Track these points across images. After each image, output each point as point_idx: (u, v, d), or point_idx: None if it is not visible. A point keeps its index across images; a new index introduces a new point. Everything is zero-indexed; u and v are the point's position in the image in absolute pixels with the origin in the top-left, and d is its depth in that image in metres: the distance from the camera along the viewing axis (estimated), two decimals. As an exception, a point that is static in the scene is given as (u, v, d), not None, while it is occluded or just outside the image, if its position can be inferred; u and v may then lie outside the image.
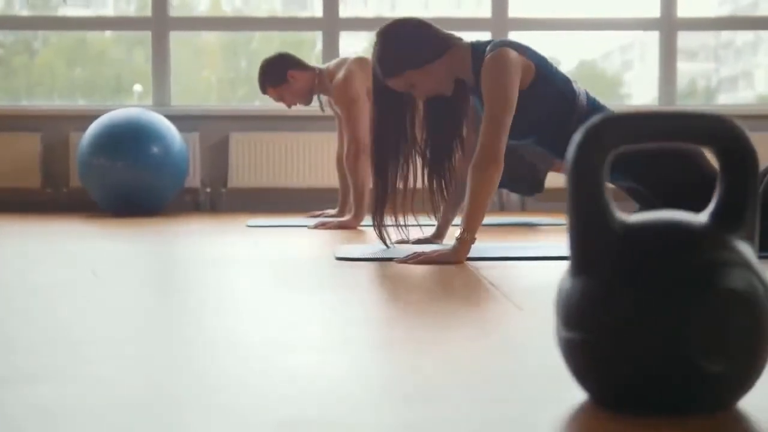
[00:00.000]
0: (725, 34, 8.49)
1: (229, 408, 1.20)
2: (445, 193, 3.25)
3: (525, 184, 4.55)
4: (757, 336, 1.15)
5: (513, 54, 2.96)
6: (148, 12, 6.46)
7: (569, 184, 1.18)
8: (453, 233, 3.00)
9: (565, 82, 3.09)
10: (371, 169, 3.20)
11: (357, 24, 6.78)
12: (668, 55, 6.53)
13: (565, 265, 1.23)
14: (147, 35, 6.45)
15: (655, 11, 6.52)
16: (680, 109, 1.20)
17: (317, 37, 6.51)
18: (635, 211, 2.47)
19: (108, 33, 7.37)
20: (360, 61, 4.58)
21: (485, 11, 6.51)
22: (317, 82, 4.70)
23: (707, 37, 8.64)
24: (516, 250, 3.22)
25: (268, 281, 2.57)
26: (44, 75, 7.56)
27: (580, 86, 3.15)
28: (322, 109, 4.92)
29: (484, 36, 6.52)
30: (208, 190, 6.28)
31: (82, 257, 3.16)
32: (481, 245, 3.23)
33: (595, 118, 1.19)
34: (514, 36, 6.52)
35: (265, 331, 1.78)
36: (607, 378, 1.18)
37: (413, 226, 3.22)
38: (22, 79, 7.49)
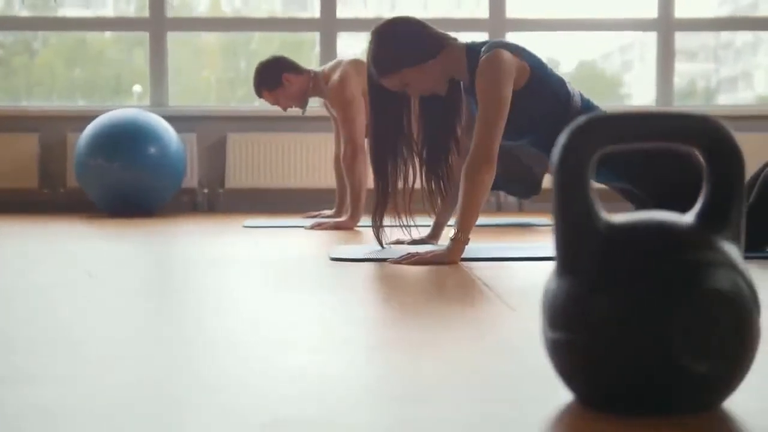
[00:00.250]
0: (725, 35, 8.49)
1: (228, 408, 1.20)
2: (443, 193, 3.26)
3: (522, 186, 4.56)
4: (742, 336, 1.15)
5: (508, 55, 2.96)
6: (146, 13, 6.46)
7: (555, 185, 1.18)
8: (448, 233, 3.00)
9: (559, 83, 3.09)
10: (372, 170, 3.20)
11: (355, 25, 6.78)
12: (666, 56, 6.53)
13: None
14: (146, 36, 6.45)
15: (652, 12, 6.52)
16: (666, 110, 1.20)
17: (317, 37, 6.51)
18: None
19: (108, 34, 7.38)
20: (355, 62, 4.58)
21: (483, 11, 6.51)
22: (312, 85, 4.70)
23: (707, 38, 8.64)
24: (511, 250, 3.22)
25: (265, 281, 2.57)
26: (44, 75, 7.57)
27: (575, 88, 3.15)
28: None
29: (482, 36, 6.53)
30: (206, 190, 6.28)
31: (81, 257, 3.16)
32: (477, 246, 3.23)
33: (580, 119, 1.19)
34: (511, 37, 6.52)
35: (260, 331, 1.78)
36: (592, 378, 1.18)
37: (412, 226, 3.23)
38: (22, 80, 7.49)
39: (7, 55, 7.43)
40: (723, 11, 8.12)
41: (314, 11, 6.50)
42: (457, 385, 1.34)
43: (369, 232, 3.24)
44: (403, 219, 3.17)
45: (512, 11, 6.49)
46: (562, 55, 7.78)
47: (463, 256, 2.87)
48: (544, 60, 3.13)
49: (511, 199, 6.05)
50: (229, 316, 1.98)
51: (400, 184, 3.16)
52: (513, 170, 4.35)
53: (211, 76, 7.79)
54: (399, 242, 3.32)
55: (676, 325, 1.12)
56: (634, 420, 1.14)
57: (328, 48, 6.45)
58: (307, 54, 7.14)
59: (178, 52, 7.00)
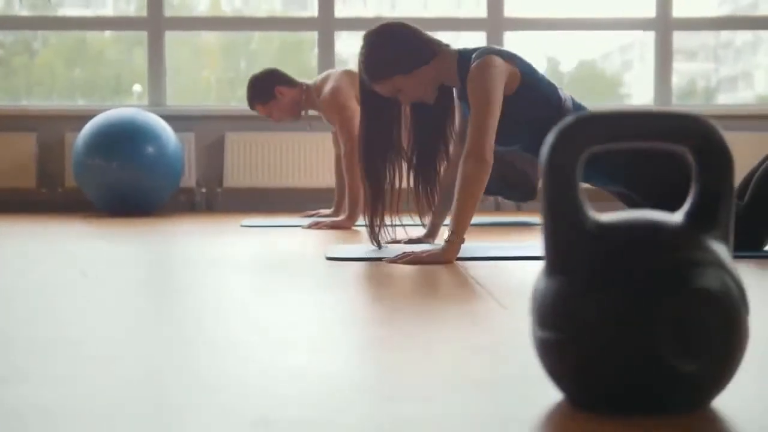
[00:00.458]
0: (725, 35, 8.48)
1: (228, 407, 1.20)
2: (431, 199, 3.26)
3: (518, 191, 4.58)
4: (731, 336, 1.15)
5: (498, 61, 2.97)
6: (144, 12, 6.46)
7: (544, 184, 1.18)
8: (445, 232, 3.00)
9: (550, 87, 3.09)
10: (362, 173, 3.19)
11: (353, 24, 6.78)
12: (664, 55, 6.52)
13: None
14: (145, 35, 6.45)
15: (650, 11, 6.51)
16: (654, 109, 1.20)
17: (315, 37, 6.51)
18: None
19: (107, 33, 7.38)
20: (346, 73, 4.60)
21: (483, 11, 6.51)
22: (305, 97, 4.72)
23: (707, 38, 8.63)
24: (507, 249, 3.21)
25: (262, 281, 2.57)
26: (44, 75, 7.57)
27: (566, 92, 3.15)
28: (309, 127, 4.93)
29: (480, 36, 6.53)
30: (204, 190, 6.28)
31: (79, 257, 3.16)
32: (473, 245, 3.23)
33: (568, 118, 1.18)
34: (509, 36, 6.52)
35: (258, 331, 1.78)
36: (581, 378, 1.17)
37: (405, 225, 3.22)
38: (22, 80, 7.49)
39: (7, 55, 7.43)
40: (723, 11, 8.12)
41: (314, 11, 6.50)
42: (448, 385, 1.34)
43: (366, 232, 3.24)
44: (392, 220, 3.17)
45: (510, 11, 6.49)
46: (562, 54, 7.78)
47: (459, 255, 2.87)
48: (538, 66, 3.14)
49: (510, 198, 6.05)
50: (227, 315, 1.98)
51: (389, 188, 3.16)
52: (508, 176, 4.37)
53: (211, 76, 7.80)
54: (396, 242, 3.32)
55: (664, 324, 1.12)
56: (623, 419, 1.13)
57: (327, 47, 6.44)
58: (307, 54, 7.14)
59: (177, 51, 7.00)
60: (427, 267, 2.76)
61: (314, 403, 1.24)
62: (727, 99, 8.50)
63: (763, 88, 8.52)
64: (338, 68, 4.72)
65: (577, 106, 3.14)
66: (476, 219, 4.62)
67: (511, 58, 3.03)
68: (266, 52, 7.90)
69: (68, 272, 2.72)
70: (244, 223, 4.73)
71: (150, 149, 5.44)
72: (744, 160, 3.26)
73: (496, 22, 6.46)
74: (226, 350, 1.60)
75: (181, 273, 2.84)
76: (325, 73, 4.76)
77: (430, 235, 3.40)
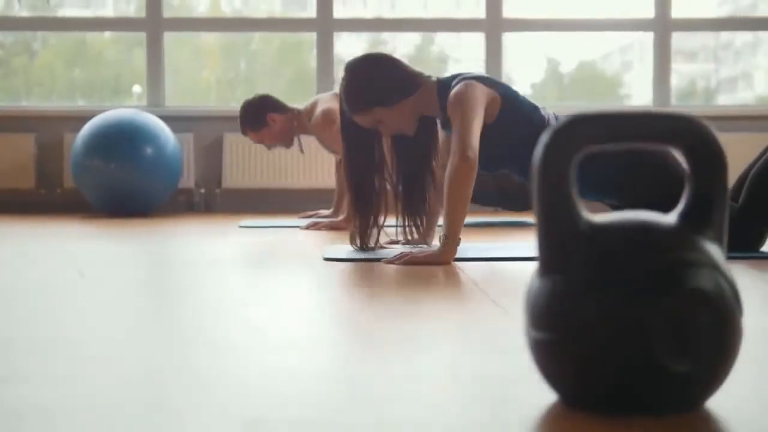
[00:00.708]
0: (725, 35, 8.48)
1: (227, 407, 1.21)
2: (419, 227, 3.25)
3: (519, 201, 4.59)
4: (724, 336, 1.16)
5: (477, 84, 2.99)
6: (143, 13, 6.46)
7: (537, 185, 1.19)
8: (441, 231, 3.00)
9: (532, 109, 3.10)
10: (351, 200, 3.19)
11: (351, 25, 6.79)
12: (663, 56, 6.53)
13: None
14: (144, 36, 6.45)
15: (649, 12, 6.52)
16: (651, 110, 1.20)
17: (314, 38, 6.51)
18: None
19: (107, 34, 7.39)
20: (336, 96, 4.61)
21: (482, 12, 6.51)
22: (296, 124, 4.73)
23: (706, 38, 8.63)
24: (505, 250, 3.22)
25: (259, 281, 2.58)
26: (44, 76, 7.57)
27: (549, 111, 3.15)
28: (302, 150, 4.94)
29: (479, 37, 6.53)
30: (203, 190, 6.28)
31: (79, 258, 3.17)
32: (470, 245, 3.24)
33: (562, 119, 1.19)
34: (508, 37, 6.53)
35: (255, 331, 1.79)
36: (574, 378, 1.18)
37: (389, 227, 3.24)
38: (22, 80, 7.50)
39: (6, 55, 7.43)
40: (722, 11, 8.12)
41: (313, 12, 6.50)
42: (444, 385, 1.35)
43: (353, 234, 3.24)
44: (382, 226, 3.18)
45: (509, 11, 6.50)
46: (562, 55, 7.78)
47: (457, 255, 2.88)
48: (518, 89, 3.16)
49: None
50: (226, 315, 1.98)
51: (380, 215, 3.17)
52: (506, 187, 4.38)
53: (211, 77, 7.80)
54: (393, 242, 3.33)
55: (658, 324, 1.12)
56: (616, 419, 1.14)
57: (325, 48, 6.45)
58: (306, 55, 7.14)
59: (177, 52, 7.00)
60: (424, 267, 2.76)
61: (313, 403, 1.25)
62: (726, 100, 8.50)
63: (763, 89, 8.52)
64: (326, 93, 4.73)
65: None
66: (474, 219, 4.65)
67: (489, 83, 3.05)
68: (266, 52, 7.90)
69: (67, 273, 2.73)
70: (242, 224, 4.73)
71: (149, 150, 5.45)
72: (744, 160, 3.27)
73: (495, 22, 6.47)
74: (225, 350, 1.60)
75: (179, 273, 2.84)
76: (314, 98, 4.77)
77: (427, 235, 3.41)
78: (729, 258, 1.22)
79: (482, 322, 1.89)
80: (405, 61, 3.15)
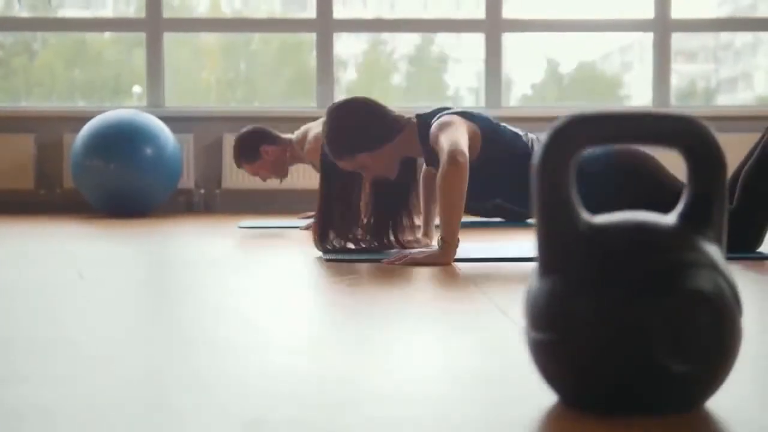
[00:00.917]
0: (724, 36, 8.49)
1: (227, 407, 1.21)
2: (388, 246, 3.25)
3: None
4: (724, 337, 1.15)
5: (457, 117, 3.01)
6: (143, 14, 6.46)
7: (536, 185, 1.19)
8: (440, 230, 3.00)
9: (513, 137, 3.10)
10: (313, 237, 3.18)
11: (351, 25, 6.79)
12: (662, 57, 6.53)
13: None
14: (144, 36, 6.45)
15: (649, 13, 6.52)
16: (648, 110, 1.20)
17: (313, 38, 6.51)
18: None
19: (107, 34, 7.39)
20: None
21: (482, 13, 6.51)
22: (289, 154, 4.76)
23: (706, 39, 8.64)
24: (504, 250, 3.22)
25: (259, 282, 2.58)
26: (43, 76, 7.57)
27: (531, 135, 3.15)
28: (281, 181, 4.97)
29: (479, 38, 6.53)
30: (202, 191, 6.28)
31: (78, 258, 3.17)
32: (470, 245, 3.24)
33: (561, 118, 1.19)
34: (508, 37, 6.53)
35: (255, 332, 1.79)
36: (574, 379, 1.18)
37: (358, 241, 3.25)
38: (21, 80, 7.50)
39: (6, 55, 7.43)
40: (722, 12, 8.12)
41: (312, 12, 6.50)
42: (444, 385, 1.35)
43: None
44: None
45: (509, 12, 6.50)
46: (562, 56, 7.78)
47: (457, 256, 2.88)
48: (506, 125, 3.18)
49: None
50: (225, 316, 1.98)
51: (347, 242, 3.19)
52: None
53: (211, 77, 7.80)
54: (396, 242, 3.33)
55: (657, 325, 1.12)
56: (616, 420, 1.14)
57: (325, 49, 6.45)
58: (307, 55, 7.14)
59: (177, 52, 7.00)
60: (424, 268, 2.76)
61: (313, 403, 1.25)
62: (726, 100, 8.50)
63: (763, 89, 8.53)
64: (317, 120, 4.74)
65: None
66: (475, 219, 4.64)
67: (469, 117, 3.06)
68: (265, 53, 7.90)
69: (67, 273, 2.73)
70: (242, 224, 4.73)
71: (148, 150, 5.45)
72: (727, 161, 3.26)
73: (494, 23, 6.47)
74: (225, 350, 1.60)
75: (179, 273, 2.85)
76: (305, 127, 4.79)
77: (426, 234, 3.42)
78: (727, 259, 1.22)
79: (481, 323, 1.89)
80: (386, 106, 3.15)
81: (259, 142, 4.73)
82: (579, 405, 1.19)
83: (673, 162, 3.69)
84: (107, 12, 7.87)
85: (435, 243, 3.24)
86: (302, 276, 2.71)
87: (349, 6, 7.32)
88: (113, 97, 7.33)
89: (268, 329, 1.82)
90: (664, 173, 3.08)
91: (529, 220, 4.95)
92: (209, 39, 7.50)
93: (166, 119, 5.82)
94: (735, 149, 2.89)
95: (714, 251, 1.18)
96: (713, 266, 1.16)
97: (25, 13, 6.78)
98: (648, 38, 6.72)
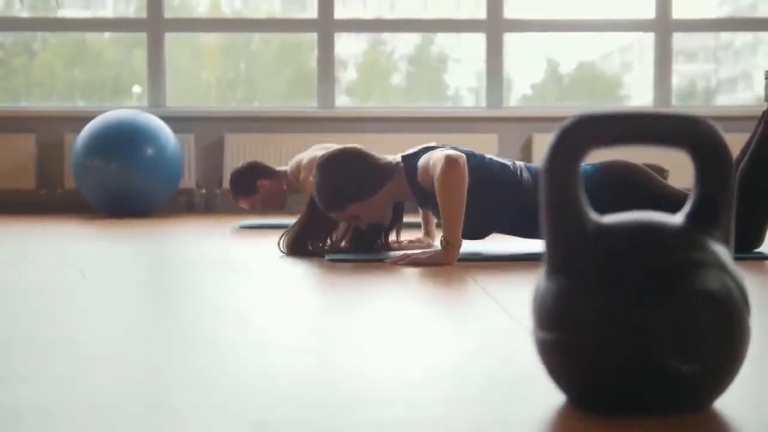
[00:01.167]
0: (724, 36, 8.49)
1: (227, 408, 1.20)
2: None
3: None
4: (732, 337, 1.15)
5: (439, 151, 2.98)
6: (144, 14, 6.46)
7: (544, 185, 1.18)
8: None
9: (501, 168, 3.07)
10: (286, 244, 3.25)
11: (352, 25, 6.78)
12: (664, 57, 6.53)
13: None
14: (145, 36, 6.45)
15: (650, 13, 6.52)
16: (654, 110, 1.20)
17: (315, 38, 6.51)
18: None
19: (107, 34, 7.38)
20: (319, 149, 4.63)
21: (483, 12, 6.51)
22: (285, 186, 4.77)
23: (706, 39, 8.64)
24: (507, 249, 3.21)
25: (260, 282, 2.57)
26: (43, 76, 7.57)
27: (518, 163, 3.14)
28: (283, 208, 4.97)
29: (480, 38, 6.53)
30: (203, 191, 6.28)
31: (79, 258, 3.16)
32: (475, 245, 3.23)
33: (569, 119, 1.18)
34: (509, 37, 6.53)
35: (256, 332, 1.78)
36: (581, 378, 1.17)
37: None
38: (22, 80, 7.50)
39: (6, 55, 7.43)
40: (722, 12, 8.13)
41: (313, 12, 6.50)
42: (449, 385, 1.34)
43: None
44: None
45: (510, 12, 6.49)
46: (562, 56, 7.78)
47: (461, 255, 2.87)
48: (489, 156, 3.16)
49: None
50: (226, 316, 1.98)
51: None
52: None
53: (211, 77, 7.80)
54: (397, 243, 3.33)
55: (665, 325, 1.12)
56: (624, 420, 1.13)
57: (326, 49, 6.44)
58: (307, 55, 7.14)
59: (177, 53, 7.00)
60: (427, 268, 2.76)
61: (314, 404, 1.24)
62: (726, 100, 8.51)
63: (763, 89, 8.52)
64: (307, 151, 4.74)
65: (534, 170, 3.12)
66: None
67: (453, 149, 3.04)
68: (265, 53, 7.90)
69: (68, 273, 2.72)
70: (242, 224, 4.74)
71: (149, 150, 5.44)
72: (733, 161, 3.26)
73: (495, 23, 6.46)
74: (225, 351, 1.60)
75: (180, 273, 2.84)
76: (297, 158, 4.79)
77: (427, 233, 3.41)
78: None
79: (485, 322, 1.89)
80: (373, 155, 3.15)
81: (254, 177, 4.76)
82: (587, 405, 1.19)
83: (677, 162, 3.69)
84: (107, 12, 7.87)
85: (437, 243, 3.23)
86: (302, 276, 2.70)
87: (349, 6, 7.31)
88: (113, 97, 7.33)
89: (268, 329, 1.82)
90: (655, 182, 3.06)
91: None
92: (209, 39, 7.50)
93: (166, 119, 5.81)
94: (735, 149, 2.87)
95: (721, 251, 1.17)
96: (721, 266, 1.15)
97: (25, 13, 6.78)
98: (648, 38, 6.72)
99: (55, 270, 2.82)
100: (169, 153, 5.54)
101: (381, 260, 2.94)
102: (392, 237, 3.33)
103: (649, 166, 3.85)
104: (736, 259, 2.88)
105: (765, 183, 3.06)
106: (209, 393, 1.29)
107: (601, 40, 7.93)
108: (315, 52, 6.50)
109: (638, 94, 8.05)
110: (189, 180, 6.21)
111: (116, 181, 5.39)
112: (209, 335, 1.75)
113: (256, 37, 7.51)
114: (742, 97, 8.57)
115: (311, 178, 3.15)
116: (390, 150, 6.24)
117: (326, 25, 6.42)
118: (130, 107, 6.23)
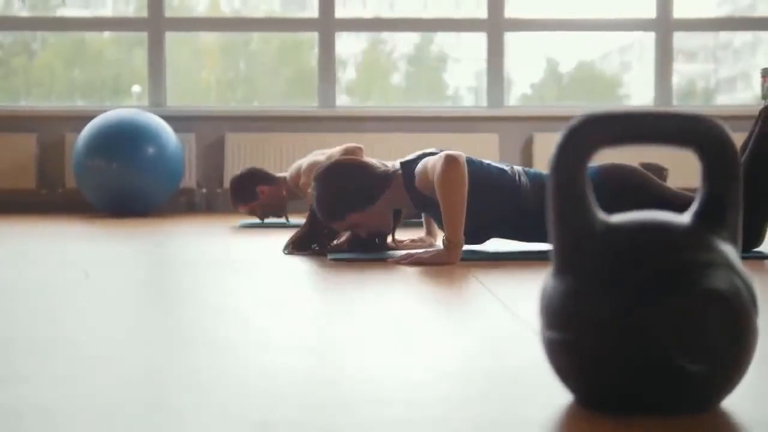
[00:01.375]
0: (724, 36, 8.50)
1: (227, 408, 1.20)
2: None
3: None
4: (740, 337, 1.14)
5: (436, 155, 2.99)
6: (144, 13, 6.46)
7: (551, 185, 1.18)
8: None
9: (500, 173, 3.07)
10: (290, 246, 3.27)
11: (353, 25, 6.78)
12: (664, 56, 6.52)
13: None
14: (145, 36, 6.45)
15: (651, 12, 6.51)
16: (661, 109, 1.19)
17: (315, 37, 6.50)
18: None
19: (107, 34, 7.38)
20: (317, 155, 4.64)
21: (483, 12, 6.51)
22: (285, 192, 4.78)
23: (706, 38, 8.64)
24: (511, 248, 3.21)
25: (261, 281, 2.57)
26: (43, 76, 7.57)
27: (516, 167, 3.13)
28: (287, 219, 4.96)
29: (480, 37, 6.53)
30: (204, 190, 6.27)
31: (79, 258, 3.16)
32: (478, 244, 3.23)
33: (576, 118, 1.18)
34: (509, 37, 6.53)
35: (257, 332, 1.78)
36: (588, 378, 1.17)
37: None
38: (21, 80, 7.50)
39: (6, 55, 7.43)
40: (722, 12, 8.13)
41: (313, 11, 6.50)
42: (453, 384, 1.33)
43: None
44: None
45: (511, 11, 6.49)
46: (562, 55, 7.78)
47: (463, 253, 2.87)
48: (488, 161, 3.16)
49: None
50: (227, 316, 1.98)
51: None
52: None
53: (211, 76, 7.80)
54: (399, 242, 3.33)
55: (672, 325, 1.11)
56: (631, 420, 1.13)
57: (327, 48, 6.44)
58: (307, 54, 7.14)
59: (177, 52, 7.00)
60: (430, 267, 2.75)
61: (314, 404, 1.24)
62: (726, 99, 8.51)
63: (760, 88, 8.52)
64: (305, 158, 4.74)
65: (533, 176, 3.12)
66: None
67: None
68: (265, 52, 7.90)
69: (68, 272, 2.72)
70: (242, 223, 4.74)
71: (150, 150, 5.44)
72: (740, 161, 3.26)
73: (496, 23, 6.46)
74: (225, 351, 1.59)
75: (180, 273, 2.84)
76: (297, 163, 4.80)
77: (429, 233, 3.41)
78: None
79: (489, 321, 1.88)
80: (372, 164, 3.15)
81: (254, 183, 4.77)
82: (594, 404, 1.18)
83: (676, 161, 3.70)
84: (107, 11, 7.87)
85: (439, 242, 3.23)
86: (302, 276, 2.70)
87: (349, 6, 7.32)
88: (113, 97, 7.33)
89: (268, 329, 1.81)
90: (654, 184, 3.06)
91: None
92: (209, 39, 7.50)
93: (167, 119, 5.81)
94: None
95: (729, 250, 1.17)
96: (729, 266, 1.14)
97: (25, 13, 6.78)
98: (647, 38, 6.72)
99: (55, 270, 2.82)
100: (169, 153, 5.53)
101: (383, 260, 2.93)
102: (389, 239, 3.33)
103: (649, 164, 3.85)
104: (742, 258, 2.88)
105: (764, 181, 3.05)
106: (209, 393, 1.29)
107: (600, 39, 7.93)
108: (315, 52, 6.50)
109: (637, 94, 8.06)
110: (190, 179, 6.21)
111: (117, 180, 5.39)
112: (209, 335, 1.75)
113: (256, 36, 7.51)
114: (742, 97, 8.58)
115: (310, 191, 3.16)
116: (390, 149, 6.25)
117: (327, 25, 6.42)
118: (131, 107, 6.22)
